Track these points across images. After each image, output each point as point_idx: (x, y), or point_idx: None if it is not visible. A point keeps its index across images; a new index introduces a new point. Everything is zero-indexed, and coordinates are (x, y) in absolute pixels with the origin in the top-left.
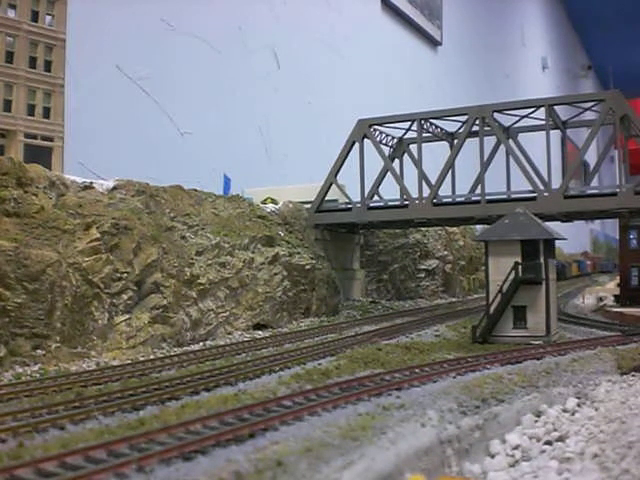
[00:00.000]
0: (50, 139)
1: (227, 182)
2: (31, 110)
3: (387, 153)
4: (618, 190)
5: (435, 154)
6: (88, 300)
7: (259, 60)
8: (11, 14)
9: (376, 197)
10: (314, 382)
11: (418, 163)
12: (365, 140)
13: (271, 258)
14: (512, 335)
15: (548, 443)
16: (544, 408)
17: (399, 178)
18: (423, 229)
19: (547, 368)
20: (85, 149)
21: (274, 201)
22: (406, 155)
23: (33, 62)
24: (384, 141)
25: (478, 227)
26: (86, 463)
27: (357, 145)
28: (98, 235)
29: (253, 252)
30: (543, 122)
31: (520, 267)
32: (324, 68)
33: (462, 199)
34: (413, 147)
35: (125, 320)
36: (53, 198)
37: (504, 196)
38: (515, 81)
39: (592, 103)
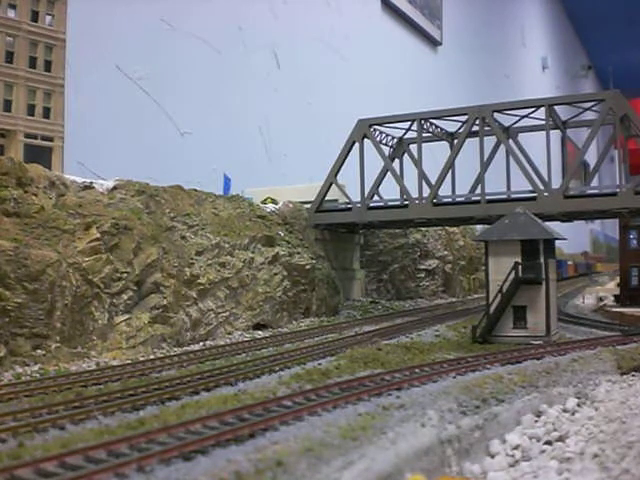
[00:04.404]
0: (50, 139)
1: (227, 182)
2: (31, 110)
3: (387, 153)
4: (618, 190)
5: (435, 154)
6: (88, 300)
7: (259, 60)
8: (11, 14)
9: (376, 197)
10: (314, 382)
11: (418, 163)
12: (365, 140)
13: (271, 258)
14: (512, 335)
15: (548, 443)
16: (544, 408)
17: (399, 178)
18: (423, 229)
19: (547, 368)
20: (85, 149)
21: (274, 201)
22: (406, 155)
23: (33, 62)
24: (384, 141)
25: (478, 227)
26: (86, 463)
27: (357, 145)
28: (98, 235)
29: (253, 252)
30: (543, 122)
31: (520, 267)
32: (324, 68)
33: (462, 199)
34: (413, 147)
35: (125, 320)
36: (53, 198)
37: (504, 196)
38: (515, 81)
39: (592, 103)
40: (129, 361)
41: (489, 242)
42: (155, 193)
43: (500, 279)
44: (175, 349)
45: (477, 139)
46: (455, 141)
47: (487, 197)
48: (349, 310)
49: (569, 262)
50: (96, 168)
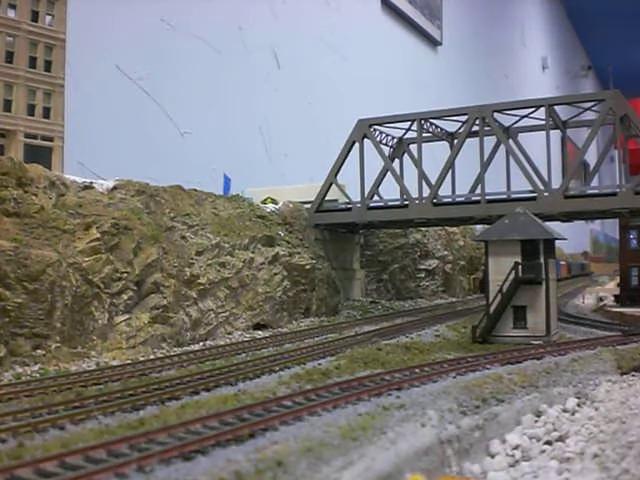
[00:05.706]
0: (50, 139)
1: (227, 182)
2: (31, 110)
3: (387, 153)
4: (618, 190)
5: (435, 154)
6: (88, 300)
7: (259, 60)
8: (11, 14)
9: (376, 197)
10: (314, 382)
11: (418, 163)
12: (365, 140)
13: (271, 258)
14: (512, 335)
15: (548, 443)
16: (544, 408)
17: (399, 178)
18: (423, 229)
19: (547, 368)
20: (85, 149)
21: (274, 201)
22: (406, 155)
23: (33, 62)
24: (384, 141)
25: (478, 227)
26: (86, 463)
27: (357, 145)
28: (98, 235)
29: (253, 252)
30: (543, 122)
31: (520, 267)
32: (324, 68)
33: (462, 199)
34: (413, 147)
35: (125, 320)
36: (53, 198)
37: (504, 196)
38: (515, 81)
39: (592, 103)
40: (129, 361)
41: (489, 242)
42: (155, 193)
43: (500, 279)
44: (175, 349)
45: (477, 139)
46: (455, 141)
47: (487, 197)
48: (349, 310)
49: (562, 262)
50: (96, 168)
